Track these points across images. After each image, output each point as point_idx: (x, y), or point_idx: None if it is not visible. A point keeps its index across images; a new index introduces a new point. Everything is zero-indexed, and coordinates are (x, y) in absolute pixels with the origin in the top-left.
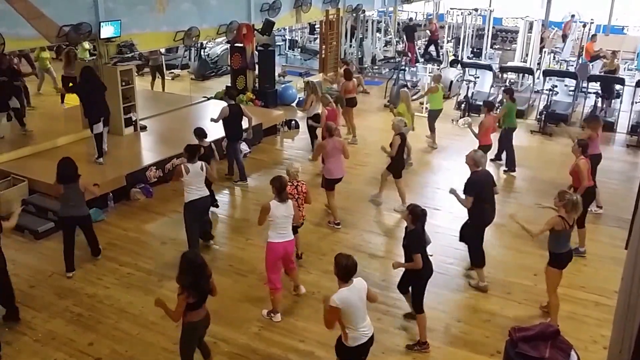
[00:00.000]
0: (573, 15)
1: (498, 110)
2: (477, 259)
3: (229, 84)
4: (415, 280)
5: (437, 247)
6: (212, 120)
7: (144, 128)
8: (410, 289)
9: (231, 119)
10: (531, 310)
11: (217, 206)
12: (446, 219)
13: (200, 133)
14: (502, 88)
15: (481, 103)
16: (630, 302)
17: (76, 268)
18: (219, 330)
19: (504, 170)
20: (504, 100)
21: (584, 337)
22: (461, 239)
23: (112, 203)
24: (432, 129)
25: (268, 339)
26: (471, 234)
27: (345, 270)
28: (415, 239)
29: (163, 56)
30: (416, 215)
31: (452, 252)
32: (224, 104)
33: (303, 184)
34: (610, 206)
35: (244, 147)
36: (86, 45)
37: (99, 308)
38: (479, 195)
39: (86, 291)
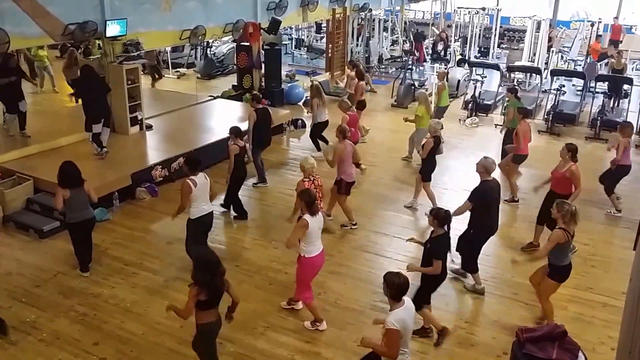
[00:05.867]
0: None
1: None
2: (473, 265)
3: (235, 83)
4: (426, 281)
5: None
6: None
7: (149, 127)
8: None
9: (260, 124)
10: (538, 311)
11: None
12: (453, 220)
13: (238, 132)
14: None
15: (489, 103)
16: (638, 303)
17: None
18: (225, 330)
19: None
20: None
21: (591, 339)
22: (458, 249)
23: (118, 202)
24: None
25: (274, 339)
26: (475, 242)
27: (399, 289)
28: (441, 245)
29: (160, 55)
30: (441, 219)
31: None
32: (230, 102)
33: (318, 177)
34: None
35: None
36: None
37: (104, 308)
38: (490, 205)
39: (91, 291)
